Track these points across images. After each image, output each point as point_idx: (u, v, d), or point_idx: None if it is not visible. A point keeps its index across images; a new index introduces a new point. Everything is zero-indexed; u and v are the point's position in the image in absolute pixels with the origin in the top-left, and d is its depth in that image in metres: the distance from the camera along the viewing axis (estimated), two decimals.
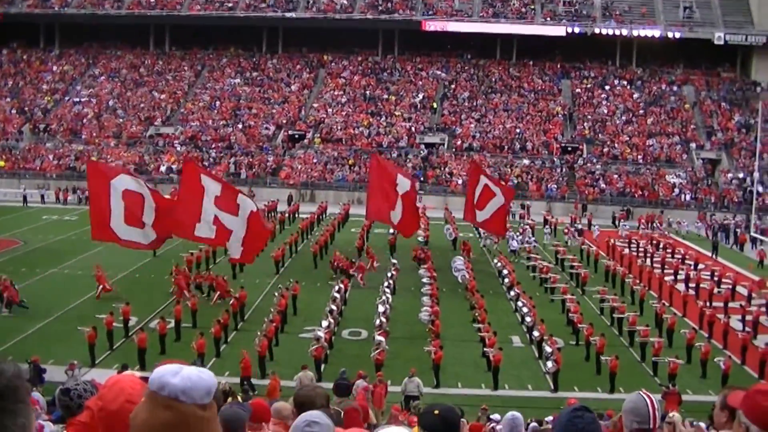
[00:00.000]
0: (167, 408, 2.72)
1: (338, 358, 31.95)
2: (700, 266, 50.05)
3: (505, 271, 44.71)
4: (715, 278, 46.32)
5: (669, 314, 37.19)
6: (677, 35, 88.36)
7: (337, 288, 38.95)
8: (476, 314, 36.60)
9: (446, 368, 31.17)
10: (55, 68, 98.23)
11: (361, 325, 37.09)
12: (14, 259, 48.48)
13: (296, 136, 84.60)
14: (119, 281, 41.71)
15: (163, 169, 79.03)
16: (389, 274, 42.62)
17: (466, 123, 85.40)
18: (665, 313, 37.04)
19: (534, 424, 18.24)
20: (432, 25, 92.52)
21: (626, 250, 53.81)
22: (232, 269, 45.16)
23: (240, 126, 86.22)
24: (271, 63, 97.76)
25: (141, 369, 26.24)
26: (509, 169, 77.59)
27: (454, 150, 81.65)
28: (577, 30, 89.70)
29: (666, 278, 44.95)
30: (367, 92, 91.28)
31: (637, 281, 43.86)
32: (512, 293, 40.84)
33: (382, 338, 31.69)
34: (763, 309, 40.51)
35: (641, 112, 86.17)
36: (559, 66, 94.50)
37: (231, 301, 36.63)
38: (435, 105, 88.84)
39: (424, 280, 43.17)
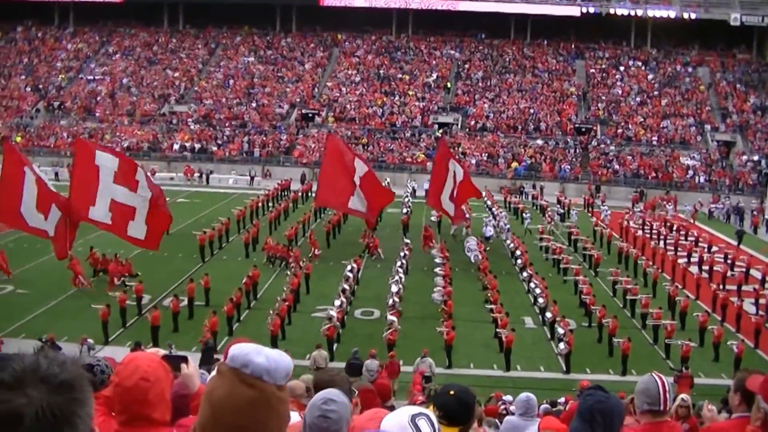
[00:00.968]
0: (251, 386, 2.74)
1: (350, 337, 32.00)
2: (714, 249, 49.83)
3: (518, 252, 44.61)
4: (729, 261, 46.12)
5: (682, 297, 37.11)
6: (693, 16, 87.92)
7: (349, 267, 38.92)
8: (488, 295, 36.61)
9: (458, 349, 31.18)
10: (69, 46, 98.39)
11: (373, 304, 37.12)
12: (28, 237, 48.40)
13: (309, 114, 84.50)
14: (133, 259, 41.71)
15: (176, 147, 79.10)
16: (402, 254, 42.63)
17: (479, 103, 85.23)
18: (678, 296, 36.97)
19: (546, 405, 18.20)
20: (445, 5, 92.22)
21: (639, 232, 53.66)
22: (245, 249, 45.18)
23: (253, 104, 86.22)
24: (285, 42, 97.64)
25: (154, 346, 26.28)
26: (522, 150, 77.46)
27: (467, 130, 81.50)
28: (591, 10, 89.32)
29: (679, 260, 44.78)
30: (381, 71, 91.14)
31: (650, 263, 43.78)
32: (525, 274, 40.77)
33: (394, 318, 31.72)
34: None
35: (656, 93, 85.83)
36: (573, 46, 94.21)
37: (243, 280, 36.62)
38: (449, 85, 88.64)
39: (437, 260, 43.18)
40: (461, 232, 51.80)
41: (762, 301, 37.89)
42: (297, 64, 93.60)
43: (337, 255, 44.97)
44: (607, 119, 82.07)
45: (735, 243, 53.29)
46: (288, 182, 66.17)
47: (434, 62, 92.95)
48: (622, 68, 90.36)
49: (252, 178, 73.16)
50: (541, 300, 36.12)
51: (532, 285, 38.39)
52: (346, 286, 36.01)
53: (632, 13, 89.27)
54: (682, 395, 10.04)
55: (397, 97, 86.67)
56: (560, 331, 31.30)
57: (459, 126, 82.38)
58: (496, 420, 13.71)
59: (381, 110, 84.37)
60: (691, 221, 60.63)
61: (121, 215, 36.11)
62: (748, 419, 4.57)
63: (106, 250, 41.08)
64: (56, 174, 71.80)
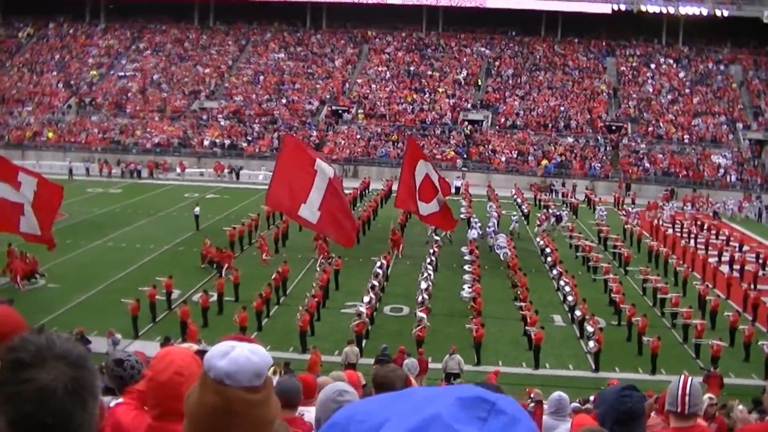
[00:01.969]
0: (215, 392, 2.62)
1: (379, 333, 32.06)
2: (745, 248, 49.49)
3: (547, 250, 44.50)
4: (760, 260, 45.78)
5: (712, 296, 36.88)
6: (725, 13, 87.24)
7: (379, 264, 38.95)
8: (518, 292, 36.53)
9: (487, 346, 31.13)
10: (100, 42, 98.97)
11: (402, 301, 37.12)
12: (59, 231, 48.57)
13: (339, 111, 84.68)
14: (162, 254, 41.98)
15: (206, 143, 79.41)
16: (431, 251, 42.63)
17: (509, 100, 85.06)
18: (708, 295, 36.73)
19: (575, 404, 18.14)
20: (474, 2, 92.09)
21: (670, 231, 53.39)
22: (274, 244, 45.33)
23: (283, 101, 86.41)
24: (315, 38, 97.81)
25: (183, 341, 26.40)
26: (552, 147, 77.24)
27: (497, 127, 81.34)
28: (623, 7, 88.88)
29: (710, 259, 44.51)
30: (411, 68, 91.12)
31: (680, 262, 43.55)
32: (554, 272, 40.63)
33: (423, 315, 31.70)
34: None
35: (687, 91, 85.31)
36: (604, 43, 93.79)
37: (273, 276, 36.67)
38: (479, 82, 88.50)
39: (466, 257, 43.14)
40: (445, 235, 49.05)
41: None
42: (327, 61, 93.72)
43: (366, 251, 45.04)
44: (638, 117, 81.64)
45: (766, 242, 52.96)
46: None
47: (464, 59, 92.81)
48: (653, 66, 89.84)
49: None
50: (570, 298, 36.01)
51: (561, 283, 38.26)
52: (376, 283, 36.01)
53: (664, 10, 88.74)
54: (708, 395, 10.04)
55: (427, 94, 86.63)
56: (589, 329, 31.20)
57: (489, 123, 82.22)
58: None
59: (411, 107, 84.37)
60: (729, 222, 60.20)
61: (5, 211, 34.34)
62: None
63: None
64: (87, 170, 72.50)
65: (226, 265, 39.50)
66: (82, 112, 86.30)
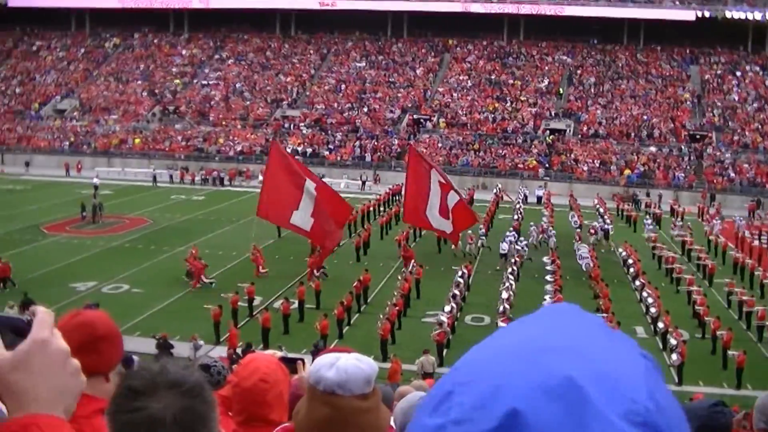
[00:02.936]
0: (325, 404, 2.69)
1: (460, 343, 31.95)
2: None
3: (630, 260, 44.08)
4: None
5: None
6: None
7: (460, 273, 38.92)
8: (600, 303, 36.23)
9: None
10: (184, 52, 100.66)
11: (483, 310, 37.03)
12: (143, 237, 49.90)
13: (421, 120, 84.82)
14: (242, 262, 42.50)
15: (288, 151, 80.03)
16: (513, 260, 42.47)
17: (592, 109, 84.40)
18: None
19: None
20: (552, 10, 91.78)
21: (756, 242, 52.47)
22: (356, 252, 45.61)
23: (365, 109, 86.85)
24: (396, 47, 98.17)
25: (264, 348, 26.65)
26: (635, 157, 76.36)
27: (579, 136, 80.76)
28: (707, 14, 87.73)
29: None
30: (492, 77, 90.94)
31: (767, 275, 42.79)
32: (637, 283, 40.22)
33: (504, 325, 31.55)
34: None
35: None
36: (687, 51, 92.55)
37: (354, 283, 36.86)
38: (561, 90, 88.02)
39: (548, 267, 42.93)
40: (470, 247, 48.28)
41: None
42: (408, 70, 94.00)
43: (447, 260, 45.03)
44: (723, 126, 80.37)
45: None
46: (399, 187, 66.13)
47: (546, 67, 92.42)
48: (738, 73, 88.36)
49: (363, 183, 73.41)
50: (653, 309, 35.61)
51: (644, 294, 37.85)
52: (457, 292, 36.00)
53: (749, 16, 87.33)
54: None
55: (508, 103, 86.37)
56: (673, 341, 30.83)
57: (571, 132, 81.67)
58: None
59: (492, 116, 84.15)
60: None
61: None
62: None
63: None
64: (170, 177, 73.59)
65: (194, 281, 39.16)
66: (165, 120, 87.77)
